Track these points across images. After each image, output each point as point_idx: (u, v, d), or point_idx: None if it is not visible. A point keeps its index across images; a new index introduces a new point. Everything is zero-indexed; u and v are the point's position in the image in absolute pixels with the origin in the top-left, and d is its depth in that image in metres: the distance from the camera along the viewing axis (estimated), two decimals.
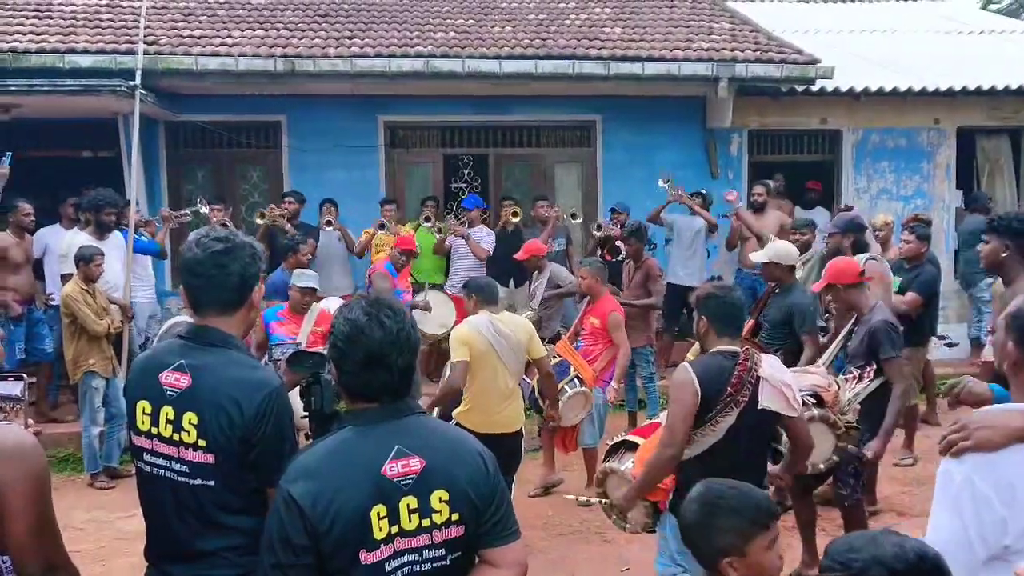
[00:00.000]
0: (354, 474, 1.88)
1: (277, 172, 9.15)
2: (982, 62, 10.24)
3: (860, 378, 4.40)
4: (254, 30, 8.64)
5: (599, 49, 8.61)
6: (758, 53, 8.76)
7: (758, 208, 8.58)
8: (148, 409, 2.23)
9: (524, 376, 5.46)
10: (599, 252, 8.44)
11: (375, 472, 1.89)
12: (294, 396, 2.35)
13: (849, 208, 8.63)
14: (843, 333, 4.85)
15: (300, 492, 1.85)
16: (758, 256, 5.55)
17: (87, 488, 6.46)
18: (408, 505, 1.89)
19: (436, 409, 4.86)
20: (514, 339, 4.85)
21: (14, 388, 2.29)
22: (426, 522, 1.91)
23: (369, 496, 1.87)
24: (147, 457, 2.24)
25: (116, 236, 7.17)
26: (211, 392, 2.18)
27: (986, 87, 9.35)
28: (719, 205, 8.85)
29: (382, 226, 8.14)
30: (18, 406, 2.29)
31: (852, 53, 10.44)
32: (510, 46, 8.59)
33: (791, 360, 4.66)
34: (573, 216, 8.66)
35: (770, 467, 3.63)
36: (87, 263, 6.34)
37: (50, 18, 8.53)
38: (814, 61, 8.75)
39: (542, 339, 6.37)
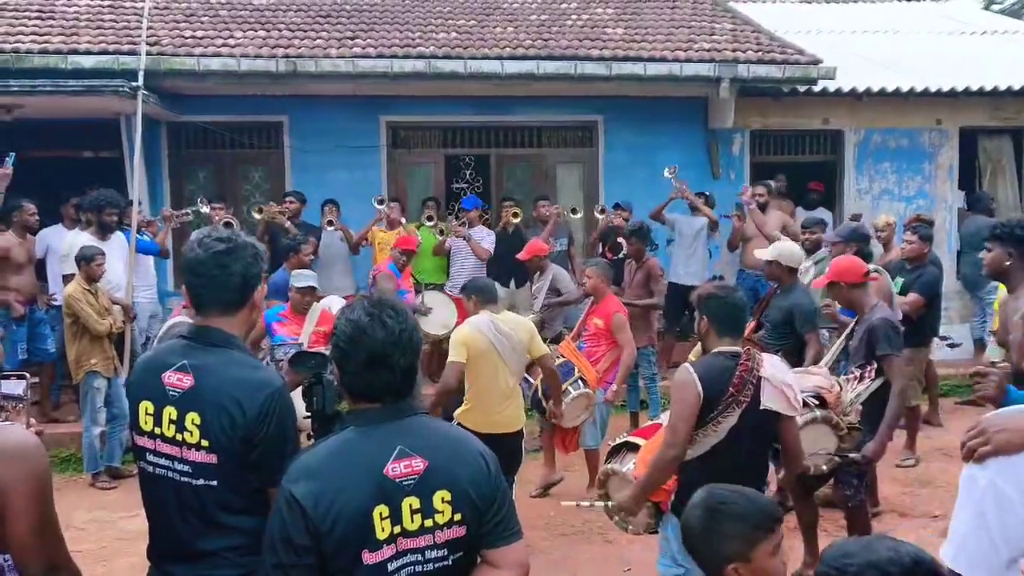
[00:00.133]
0: (356, 474, 1.89)
1: (279, 172, 9.16)
2: (984, 62, 10.24)
3: (861, 378, 4.39)
4: (256, 31, 8.65)
5: (601, 50, 8.61)
6: (760, 54, 8.76)
7: (759, 209, 8.57)
8: (151, 409, 2.23)
9: (527, 376, 5.46)
10: (601, 248, 8.44)
11: (377, 472, 1.89)
12: (296, 396, 2.35)
13: (857, 217, 8.64)
14: (844, 333, 4.85)
15: (302, 492, 1.85)
16: (763, 253, 5.56)
17: (89, 488, 6.46)
18: (410, 505, 1.89)
19: (436, 410, 4.86)
20: (515, 338, 4.85)
21: (17, 387, 2.29)
22: (428, 522, 1.91)
23: (371, 496, 1.87)
24: (150, 457, 2.24)
25: (118, 236, 7.18)
26: (213, 392, 2.18)
27: (988, 88, 9.35)
28: (722, 207, 8.85)
29: (381, 201, 8.13)
30: (20, 406, 2.29)
31: (854, 53, 10.44)
32: (512, 47, 8.59)
33: (792, 360, 4.65)
34: (573, 211, 8.66)
35: (779, 475, 3.62)
36: (88, 263, 6.35)
37: (52, 19, 8.54)
38: (816, 61, 8.74)
39: (544, 340, 6.37)
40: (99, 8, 8.93)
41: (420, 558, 1.91)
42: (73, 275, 6.52)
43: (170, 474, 2.20)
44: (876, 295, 4.97)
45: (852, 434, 4.17)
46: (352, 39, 8.58)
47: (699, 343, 3.91)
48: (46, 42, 7.98)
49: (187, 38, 8.35)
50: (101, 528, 5.70)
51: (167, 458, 2.21)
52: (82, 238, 6.93)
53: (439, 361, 7.82)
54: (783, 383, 3.33)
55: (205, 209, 7.96)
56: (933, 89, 9.26)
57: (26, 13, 8.61)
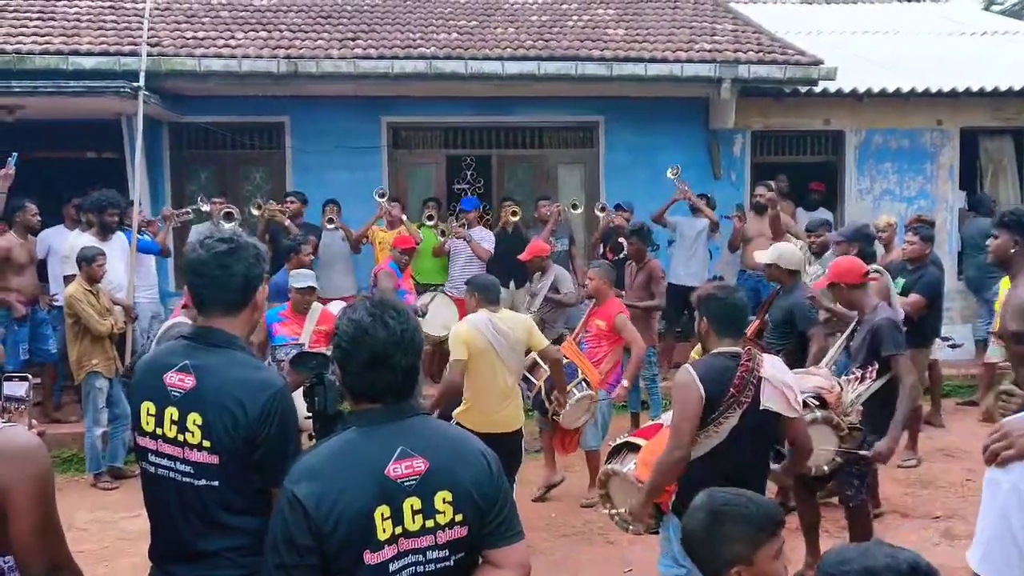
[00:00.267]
0: (358, 475, 1.89)
1: (280, 173, 9.16)
2: (985, 63, 10.24)
3: (862, 379, 4.39)
4: (257, 32, 8.66)
5: (602, 50, 8.61)
6: (761, 54, 8.76)
7: (761, 209, 8.57)
8: (152, 410, 2.24)
9: (530, 377, 5.47)
10: (602, 249, 8.44)
11: (379, 473, 1.89)
12: (297, 397, 2.35)
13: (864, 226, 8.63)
14: (845, 333, 4.85)
15: (304, 493, 1.86)
16: (762, 256, 5.58)
17: (91, 488, 6.46)
18: (412, 506, 1.89)
19: (436, 410, 4.87)
20: (513, 337, 4.85)
21: (19, 389, 2.29)
22: (430, 523, 1.91)
23: (373, 497, 1.87)
24: (152, 458, 2.25)
25: (119, 237, 7.19)
26: (215, 393, 2.18)
27: (989, 88, 9.35)
28: (723, 207, 8.86)
29: (383, 195, 8.14)
30: (23, 407, 2.28)
31: (855, 54, 10.44)
32: (513, 47, 8.59)
33: (792, 360, 4.66)
34: (574, 207, 8.66)
35: (772, 466, 3.62)
36: (89, 264, 6.36)
37: (54, 20, 8.56)
38: (817, 62, 8.74)
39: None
40: (100, 9, 8.95)
41: (422, 558, 1.91)
42: (74, 276, 6.52)
43: (172, 474, 2.21)
44: (876, 295, 4.97)
45: (853, 435, 4.18)
46: (353, 40, 8.59)
47: (699, 344, 3.92)
48: (47, 43, 7.99)
49: (188, 39, 8.36)
50: (103, 528, 5.70)
51: (169, 459, 2.21)
52: (83, 239, 6.93)
53: (440, 362, 7.82)
54: (783, 383, 3.33)
55: (206, 207, 7.97)
56: (934, 90, 9.26)
57: (27, 14, 8.62)
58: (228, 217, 7.50)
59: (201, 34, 8.49)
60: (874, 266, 5.76)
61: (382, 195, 8.21)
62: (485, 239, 8.33)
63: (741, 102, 9.00)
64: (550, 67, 8.41)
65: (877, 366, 4.43)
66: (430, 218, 8.46)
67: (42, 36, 8.14)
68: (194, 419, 2.18)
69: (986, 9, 18.76)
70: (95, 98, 7.52)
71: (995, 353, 8.05)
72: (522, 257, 7.17)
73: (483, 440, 2.16)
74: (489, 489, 1.98)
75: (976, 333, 9.03)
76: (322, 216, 8.31)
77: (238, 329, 2.32)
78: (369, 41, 8.56)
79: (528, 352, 5.16)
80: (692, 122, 9.47)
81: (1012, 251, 3.73)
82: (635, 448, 3.78)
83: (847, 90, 9.22)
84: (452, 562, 1.94)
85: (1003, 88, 9.36)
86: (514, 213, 8.46)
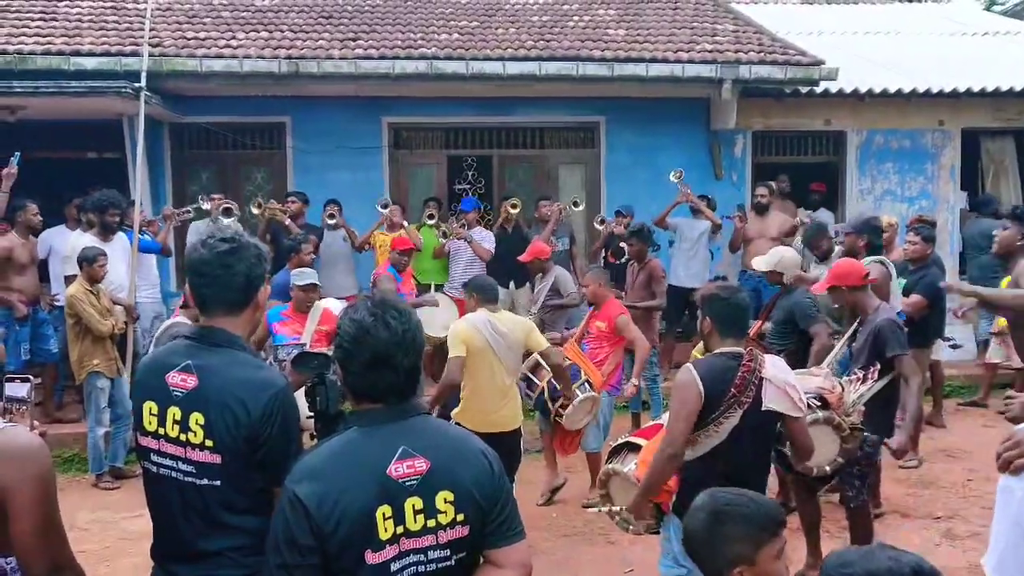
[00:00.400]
0: (359, 475, 1.89)
1: (281, 173, 9.17)
2: (986, 63, 10.24)
3: (864, 379, 4.39)
4: (258, 32, 8.66)
5: (603, 51, 8.62)
6: (762, 55, 8.76)
7: (762, 210, 8.58)
8: (155, 410, 2.24)
9: (533, 378, 5.47)
10: (603, 254, 8.45)
11: (380, 473, 1.89)
12: (299, 396, 2.35)
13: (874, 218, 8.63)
14: (847, 334, 4.85)
15: (306, 493, 1.86)
16: (760, 264, 5.61)
17: (92, 488, 6.47)
18: (413, 506, 1.89)
19: (436, 408, 4.87)
20: (511, 337, 4.86)
21: (21, 390, 2.30)
22: (431, 523, 1.91)
23: (374, 497, 1.87)
24: (154, 458, 2.25)
25: (120, 237, 7.19)
26: (217, 392, 2.18)
27: (990, 88, 9.35)
28: (724, 208, 8.86)
29: (385, 205, 8.13)
30: (24, 408, 2.29)
31: (856, 55, 10.44)
32: (514, 48, 8.60)
33: (794, 360, 4.66)
34: (575, 204, 8.65)
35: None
36: (90, 264, 6.36)
37: (55, 20, 8.57)
38: (818, 63, 8.74)
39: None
40: (102, 10, 8.95)
41: (423, 558, 1.91)
42: (75, 276, 6.53)
43: (174, 474, 2.21)
44: (884, 285, 4.98)
45: (855, 435, 4.17)
46: (354, 40, 8.59)
47: (701, 342, 3.92)
48: (49, 43, 8.00)
49: (189, 39, 8.37)
50: (104, 528, 5.70)
51: (171, 458, 2.21)
52: (84, 239, 6.94)
53: (441, 362, 7.81)
54: (786, 383, 3.33)
55: (206, 206, 7.97)
56: (935, 90, 9.27)
57: (29, 15, 8.63)
58: (227, 212, 7.50)
59: (202, 34, 8.50)
60: (878, 257, 5.77)
61: (384, 205, 8.19)
62: (485, 239, 8.34)
63: (742, 102, 9.00)
64: (551, 67, 8.42)
65: (879, 367, 4.43)
66: (431, 217, 8.47)
67: (44, 36, 8.15)
68: (196, 419, 2.18)
69: (987, 9, 18.74)
70: (96, 98, 7.53)
71: (996, 353, 8.06)
72: (522, 258, 7.17)
73: (482, 440, 2.16)
74: (490, 489, 1.98)
75: (977, 335, 9.02)
76: (323, 216, 8.32)
77: (240, 329, 2.32)
78: (370, 41, 8.57)
79: (528, 354, 5.17)
80: (693, 122, 9.47)
81: (1018, 243, 3.75)
82: (636, 448, 3.78)
83: (848, 90, 9.22)
84: (453, 562, 1.94)
85: (1004, 88, 9.36)
86: (514, 206, 8.45)
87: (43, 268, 7.71)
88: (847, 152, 9.76)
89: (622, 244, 7.79)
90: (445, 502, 1.92)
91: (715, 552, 2.03)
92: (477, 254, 8.17)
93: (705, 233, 8.62)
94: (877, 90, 9.29)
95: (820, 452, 4.06)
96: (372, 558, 1.86)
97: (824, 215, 9.54)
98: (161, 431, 2.22)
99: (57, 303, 7.29)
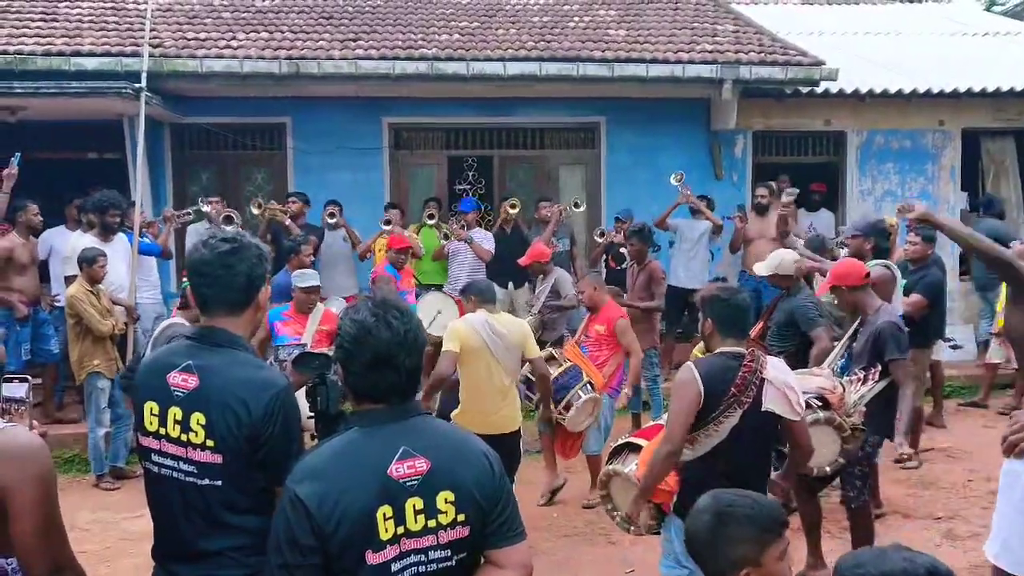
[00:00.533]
0: (360, 475, 1.89)
1: (281, 174, 9.17)
2: (987, 64, 10.24)
3: (865, 380, 4.39)
4: (259, 32, 8.66)
5: (603, 51, 8.62)
6: (762, 55, 8.76)
7: (762, 210, 8.57)
8: (156, 410, 2.24)
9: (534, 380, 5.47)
10: (604, 258, 8.44)
11: (381, 473, 1.89)
12: (300, 396, 2.35)
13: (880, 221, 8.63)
14: (848, 335, 4.85)
15: (306, 493, 1.86)
16: (760, 269, 5.60)
17: (92, 489, 6.47)
18: (414, 506, 1.89)
19: (428, 403, 4.89)
20: (510, 338, 4.86)
21: (19, 390, 2.30)
22: (432, 523, 1.91)
23: (375, 497, 1.87)
24: (155, 458, 2.25)
25: (120, 238, 7.19)
26: (219, 392, 2.19)
27: (991, 89, 9.35)
28: (725, 208, 8.85)
29: (388, 222, 8.12)
30: (23, 408, 2.29)
31: (856, 55, 10.44)
32: (514, 48, 8.60)
33: (794, 362, 4.65)
34: (576, 205, 8.65)
35: (772, 474, 3.62)
36: (90, 265, 6.37)
37: (56, 21, 8.57)
38: (818, 63, 8.74)
39: (547, 343, 6.35)
40: (102, 10, 8.96)
41: (424, 558, 1.91)
42: (75, 276, 6.53)
43: (175, 474, 2.21)
44: (887, 287, 4.98)
45: (856, 435, 4.17)
46: (354, 41, 8.60)
47: (701, 342, 3.92)
48: (49, 44, 8.00)
49: (190, 40, 8.37)
50: (105, 529, 5.71)
51: (172, 458, 2.21)
52: (85, 240, 6.94)
53: None
54: (786, 385, 3.33)
55: (206, 208, 7.97)
56: (935, 90, 9.27)
57: (29, 15, 8.64)
58: (228, 220, 7.51)
59: (203, 35, 8.50)
60: (882, 261, 5.77)
61: (387, 222, 8.14)
62: (486, 240, 8.33)
63: (742, 103, 9.00)
64: (551, 68, 8.42)
65: (880, 368, 4.43)
66: (431, 218, 8.46)
67: (44, 37, 8.15)
68: (197, 419, 2.18)
69: (988, 10, 18.74)
70: (97, 99, 7.54)
71: (996, 354, 8.06)
72: (522, 262, 7.15)
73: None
74: (491, 489, 1.98)
75: (979, 336, 9.03)
76: (323, 216, 8.32)
77: (241, 329, 2.32)
78: (370, 42, 8.57)
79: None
80: (693, 123, 9.47)
81: None
82: (636, 449, 3.78)
83: (849, 91, 9.22)
84: (454, 562, 1.94)
85: (1005, 89, 9.36)
86: (512, 207, 8.44)
87: (43, 269, 7.72)
88: (847, 152, 9.76)
89: (622, 250, 7.79)
90: (446, 502, 1.92)
91: (719, 553, 2.02)
92: (478, 255, 8.17)
93: (705, 234, 8.62)
94: (877, 90, 9.29)
95: (821, 452, 4.06)
96: (373, 558, 1.86)
97: (824, 215, 9.55)
98: (162, 431, 2.22)
99: (57, 303, 7.29)
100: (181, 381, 2.22)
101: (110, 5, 9.09)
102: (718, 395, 3.25)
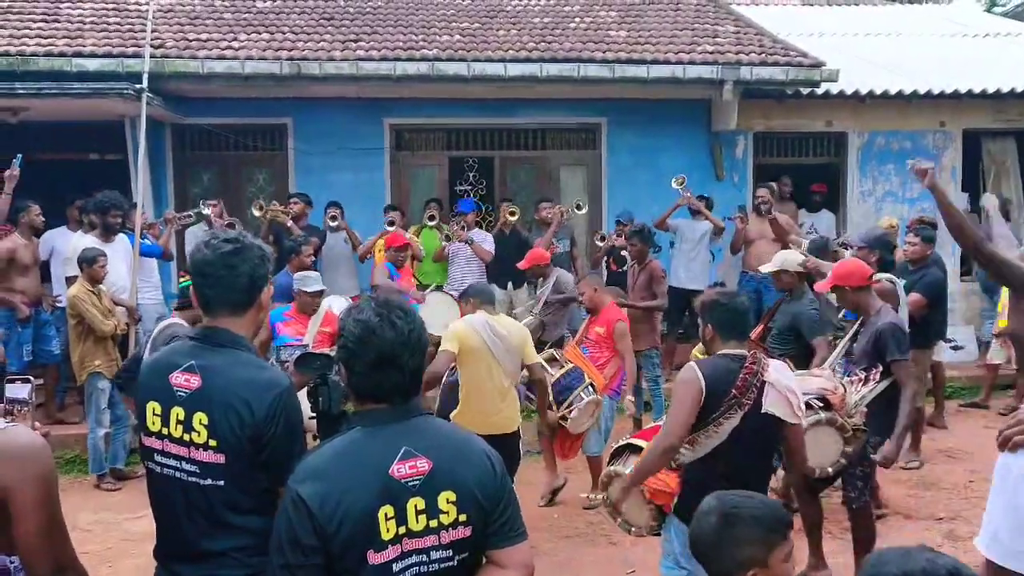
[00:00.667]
0: (362, 475, 1.89)
1: (283, 175, 9.18)
2: (987, 65, 10.24)
3: (866, 380, 4.39)
4: (260, 33, 8.67)
5: (604, 52, 8.62)
6: (763, 56, 8.76)
7: (763, 211, 8.57)
8: (158, 410, 2.24)
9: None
10: (605, 261, 8.44)
11: (383, 473, 1.89)
12: (301, 397, 2.36)
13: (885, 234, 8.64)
14: (848, 335, 4.85)
15: (308, 493, 1.86)
16: (766, 267, 5.61)
17: (94, 489, 6.47)
18: (415, 506, 1.90)
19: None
20: (510, 340, 4.86)
21: (22, 391, 2.30)
22: (433, 523, 1.91)
23: (377, 497, 1.87)
24: (157, 458, 2.25)
25: (121, 238, 7.20)
26: (221, 392, 2.19)
27: (991, 90, 9.35)
28: (725, 209, 8.86)
29: (392, 223, 8.13)
30: (25, 409, 2.30)
31: (857, 56, 10.44)
32: (515, 49, 8.60)
33: (795, 365, 4.65)
34: (578, 207, 8.65)
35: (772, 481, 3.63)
36: (90, 265, 6.38)
37: (57, 22, 8.58)
38: (819, 64, 8.74)
39: (547, 344, 6.35)
40: (103, 11, 8.96)
41: (425, 559, 1.91)
42: (76, 277, 6.54)
43: (178, 474, 2.21)
44: (889, 302, 4.98)
45: (857, 436, 4.17)
46: (356, 42, 8.60)
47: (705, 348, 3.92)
48: (51, 45, 8.01)
49: (191, 41, 8.38)
50: (106, 529, 5.71)
51: (175, 458, 2.22)
52: (86, 240, 6.95)
53: None
54: (787, 388, 3.33)
55: (207, 211, 7.98)
56: (936, 91, 9.27)
57: (31, 16, 8.64)
58: (231, 228, 7.52)
59: (204, 36, 8.51)
60: (888, 276, 5.76)
61: (391, 223, 8.14)
62: (486, 241, 8.34)
63: (743, 104, 9.01)
64: (552, 69, 8.42)
65: (881, 368, 4.43)
66: (432, 219, 8.47)
67: (46, 38, 8.16)
68: (200, 419, 2.18)
69: (988, 11, 18.76)
70: (98, 100, 7.54)
71: (997, 355, 8.06)
72: (521, 265, 7.14)
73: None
74: (493, 489, 1.98)
75: (982, 336, 9.03)
76: (324, 218, 8.32)
77: (243, 329, 2.33)
78: (371, 43, 8.57)
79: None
80: (694, 124, 9.47)
81: None
82: (637, 450, 3.78)
83: (849, 92, 9.22)
84: (456, 562, 1.94)
85: (1005, 90, 9.36)
86: (512, 213, 8.45)
87: (45, 269, 7.72)
88: (848, 153, 9.76)
89: (623, 253, 7.79)
90: (447, 502, 1.92)
91: (725, 555, 2.01)
92: (478, 256, 8.18)
93: (706, 235, 8.62)
94: (878, 91, 9.29)
95: (823, 453, 4.07)
96: (374, 558, 1.86)
97: (825, 216, 9.55)
98: (165, 431, 2.23)
99: (59, 304, 7.30)
100: (184, 381, 2.22)
101: (112, 6, 9.10)
102: (719, 396, 3.25)
